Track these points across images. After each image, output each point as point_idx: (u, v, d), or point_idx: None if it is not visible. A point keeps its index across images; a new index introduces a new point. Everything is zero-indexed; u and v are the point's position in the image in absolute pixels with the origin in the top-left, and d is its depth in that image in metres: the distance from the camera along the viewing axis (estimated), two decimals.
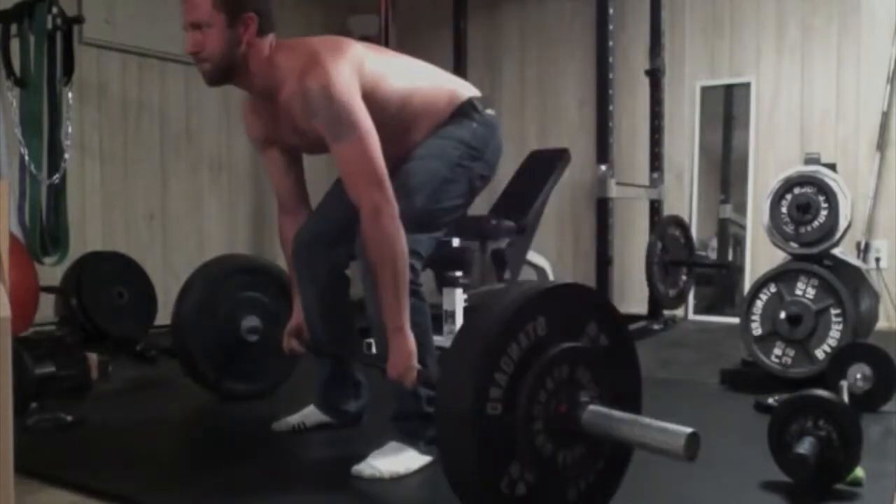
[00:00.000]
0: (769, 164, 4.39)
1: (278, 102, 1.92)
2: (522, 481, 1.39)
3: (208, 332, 2.55)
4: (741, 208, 4.54)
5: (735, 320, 3.29)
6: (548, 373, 1.39)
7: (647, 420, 1.39)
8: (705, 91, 4.65)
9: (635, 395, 1.58)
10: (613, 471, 1.54)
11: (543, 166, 4.17)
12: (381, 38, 4.40)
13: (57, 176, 3.28)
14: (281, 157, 2.13)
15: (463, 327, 1.59)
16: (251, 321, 2.58)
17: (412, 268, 1.89)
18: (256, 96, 2.03)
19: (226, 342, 2.57)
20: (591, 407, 1.41)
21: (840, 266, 2.84)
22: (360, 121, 1.81)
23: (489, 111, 2.09)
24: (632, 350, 1.57)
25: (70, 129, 3.38)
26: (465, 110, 2.03)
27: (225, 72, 1.95)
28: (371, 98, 1.86)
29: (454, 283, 3.41)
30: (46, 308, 3.53)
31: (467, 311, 3.07)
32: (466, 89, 2.09)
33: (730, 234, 4.60)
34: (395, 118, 1.94)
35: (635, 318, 4.18)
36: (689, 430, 1.31)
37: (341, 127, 1.80)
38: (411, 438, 1.95)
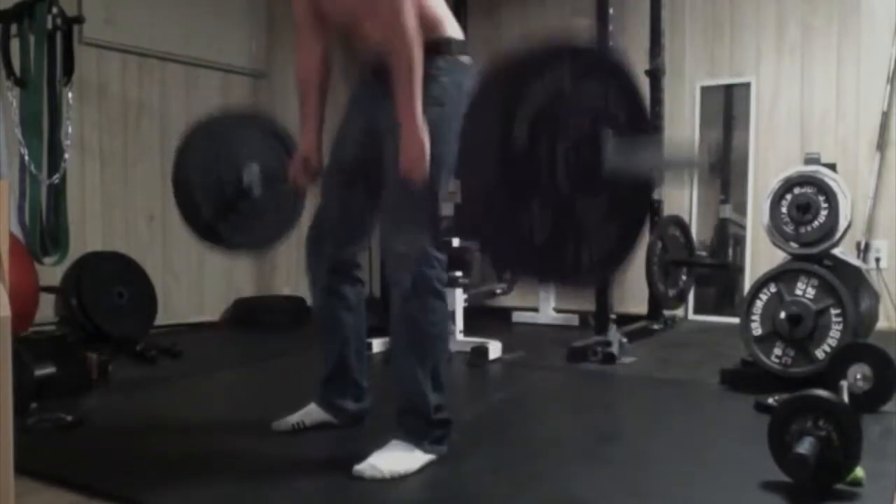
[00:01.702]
0: (769, 164, 4.39)
1: None
2: (541, 223, 1.39)
3: (210, 175, 2.44)
4: (741, 208, 4.54)
5: (735, 320, 3.29)
6: (572, 115, 1.40)
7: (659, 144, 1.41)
8: (705, 91, 4.65)
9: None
10: (625, 246, 1.53)
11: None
12: None
13: (57, 176, 3.29)
14: (312, 24, 2.17)
15: (492, 68, 1.57)
16: (253, 171, 2.45)
17: (437, 261, 1.93)
18: None
19: (226, 188, 2.45)
20: (614, 145, 1.41)
21: (840, 266, 2.84)
22: None
23: (464, 58, 2.04)
24: (647, 122, 1.56)
25: (70, 129, 3.38)
26: (438, 50, 1.98)
27: None
28: None
29: (454, 283, 3.41)
30: (46, 308, 3.53)
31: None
32: (452, 27, 2.05)
33: (730, 234, 4.60)
34: None
35: (635, 318, 4.18)
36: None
37: None
38: (416, 438, 1.95)
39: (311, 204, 2.38)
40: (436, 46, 1.98)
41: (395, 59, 1.87)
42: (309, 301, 2.55)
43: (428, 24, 1.97)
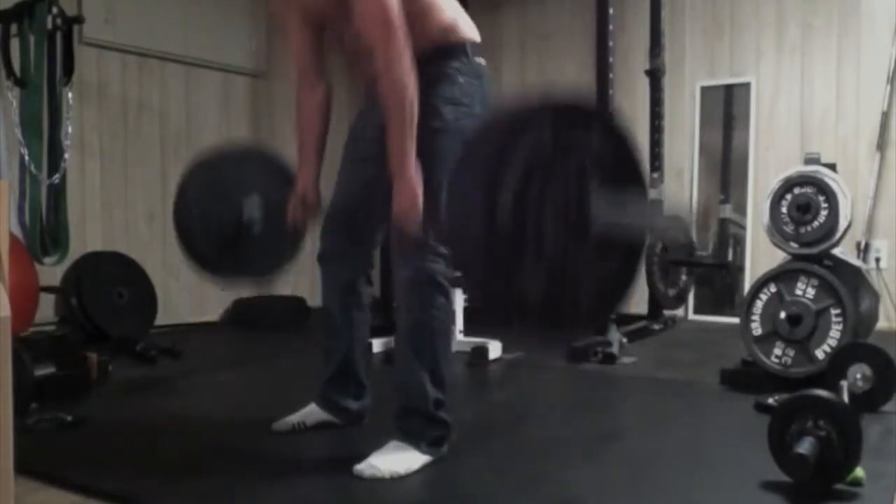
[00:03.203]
0: (769, 164, 4.40)
1: None
2: (535, 288, 1.39)
3: (209, 214, 2.44)
4: (741, 208, 4.55)
5: (735, 320, 3.29)
6: (557, 173, 1.40)
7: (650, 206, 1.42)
8: (705, 91, 4.65)
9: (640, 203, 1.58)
10: (622, 279, 1.53)
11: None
12: None
13: (57, 176, 3.29)
14: (301, 23, 2.13)
15: (474, 134, 1.58)
16: (253, 205, 2.45)
17: (441, 256, 1.92)
18: None
19: (226, 225, 2.45)
20: (599, 201, 1.42)
21: (840, 266, 2.84)
22: None
23: (479, 60, 2.05)
24: (635, 162, 1.55)
25: (70, 129, 3.38)
26: (456, 52, 1.99)
27: None
28: None
29: (454, 283, 3.40)
30: (46, 308, 3.54)
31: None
32: (469, 28, 2.05)
33: (730, 234, 4.61)
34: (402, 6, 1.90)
35: (635, 318, 4.18)
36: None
37: None
38: (414, 438, 1.95)
39: (311, 239, 2.38)
40: (452, 50, 1.99)
41: (388, 107, 1.84)
42: (310, 299, 2.57)
43: (443, 28, 1.98)
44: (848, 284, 2.71)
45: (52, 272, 3.53)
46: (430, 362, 1.96)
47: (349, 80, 2.35)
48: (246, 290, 4.22)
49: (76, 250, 3.62)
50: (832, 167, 2.86)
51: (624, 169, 1.51)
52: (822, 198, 2.76)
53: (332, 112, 2.20)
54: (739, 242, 4.54)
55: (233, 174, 2.50)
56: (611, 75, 3.97)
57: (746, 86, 4.53)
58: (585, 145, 1.47)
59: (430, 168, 1.90)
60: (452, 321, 3.33)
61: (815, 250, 2.77)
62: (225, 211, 2.44)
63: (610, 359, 3.32)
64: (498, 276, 1.36)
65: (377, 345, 3.31)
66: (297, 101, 2.21)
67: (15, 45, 3.26)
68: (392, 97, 1.83)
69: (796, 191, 2.81)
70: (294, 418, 2.28)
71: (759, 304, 2.79)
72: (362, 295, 2.25)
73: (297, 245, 2.56)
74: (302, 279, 4.84)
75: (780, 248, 2.86)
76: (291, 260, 2.58)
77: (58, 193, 3.31)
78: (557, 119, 1.44)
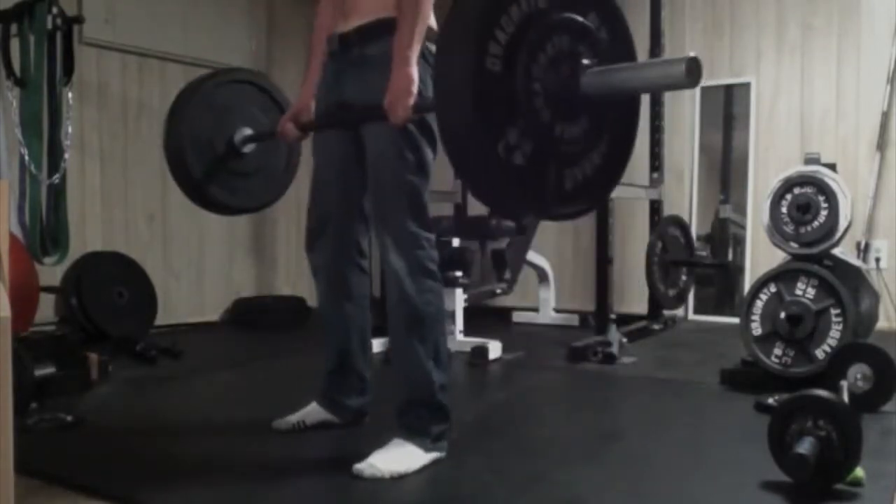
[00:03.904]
0: (769, 164, 4.39)
1: None
2: (520, 150, 1.34)
3: (201, 130, 2.41)
4: (741, 208, 4.55)
5: (735, 320, 3.29)
6: (548, 36, 1.36)
7: (646, 61, 1.37)
8: (705, 91, 4.65)
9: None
10: (611, 167, 1.50)
11: None
12: None
13: (57, 176, 3.28)
14: None
15: None
16: (245, 132, 2.44)
17: (426, 240, 1.94)
18: None
19: (217, 147, 2.43)
20: (591, 70, 1.37)
21: (840, 266, 2.84)
22: None
23: (430, 45, 2.00)
24: (631, 47, 1.53)
25: (70, 129, 3.38)
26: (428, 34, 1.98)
27: None
28: None
29: (454, 283, 3.41)
30: (46, 308, 3.53)
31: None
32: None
33: (730, 234, 4.61)
34: None
35: (635, 318, 4.18)
36: (688, 54, 1.31)
37: None
38: (417, 435, 1.95)
39: (305, 166, 2.36)
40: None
41: (405, 8, 1.85)
42: (309, 299, 2.57)
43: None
44: (848, 284, 2.72)
45: (52, 272, 3.53)
46: (433, 347, 1.97)
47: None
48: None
49: (76, 250, 3.62)
50: (832, 167, 2.86)
51: (615, 43, 1.49)
52: (822, 198, 2.77)
53: None
54: (739, 242, 4.54)
55: (223, 97, 2.47)
56: None
57: (746, 86, 4.53)
58: (572, 10, 1.43)
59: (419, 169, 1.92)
60: (452, 321, 3.34)
61: (815, 250, 2.77)
62: (216, 135, 2.42)
63: (610, 359, 3.32)
64: (483, 135, 1.30)
65: (377, 345, 3.31)
66: (317, 21, 2.23)
67: (15, 45, 3.26)
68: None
69: (796, 191, 2.81)
70: (294, 418, 2.28)
71: (759, 304, 2.79)
72: (352, 286, 2.23)
73: (289, 171, 2.54)
74: (302, 279, 4.85)
75: (780, 248, 2.86)
76: (284, 188, 2.57)
77: (58, 193, 3.31)
78: None
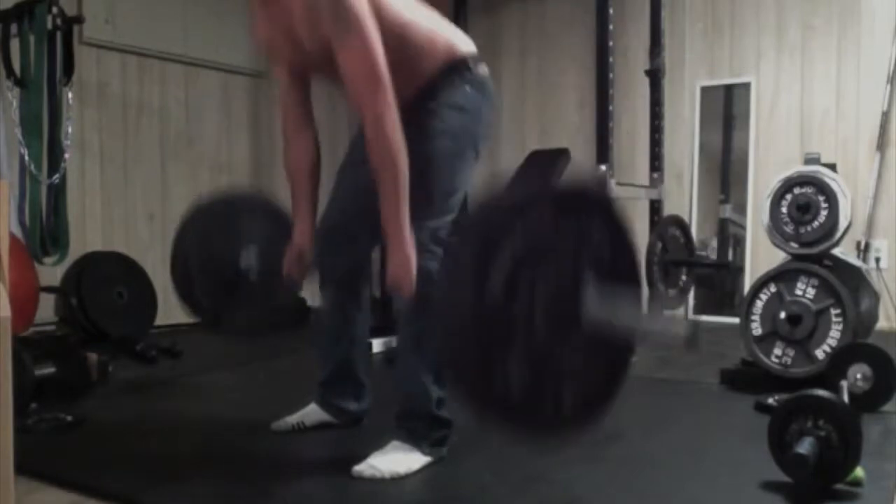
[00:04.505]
0: (769, 164, 4.39)
1: (281, 5, 1.90)
2: (520, 376, 1.36)
3: (207, 266, 2.42)
4: (741, 208, 4.55)
5: (735, 320, 3.29)
6: (551, 265, 1.37)
7: (649, 313, 1.38)
8: (705, 91, 4.65)
9: (636, 299, 1.54)
10: (611, 381, 1.51)
11: (543, 166, 4.17)
12: None
13: (57, 176, 3.29)
14: (287, 77, 2.12)
15: (469, 217, 1.56)
16: (250, 256, 2.43)
17: (434, 254, 1.90)
18: (262, 6, 2.00)
19: (225, 277, 2.42)
20: (593, 301, 1.39)
21: (840, 266, 2.84)
22: (364, 22, 1.78)
23: (482, 69, 2.05)
24: (634, 256, 1.54)
25: (70, 129, 3.38)
26: (458, 67, 1.99)
27: None
28: (377, 16, 1.83)
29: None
30: (46, 308, 3.53)
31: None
32: (463, 44, 2.05)
33: (730, 234, 4.60)
34: (394, 46, 1.88)
35: None
36: (688, 319, 1.31)
37: (345, 26, 1.77)
38: (415, 439, 1.95)
39: (307, 292, 2.39)
40: (455, 66, 2.00)
41: (377, 170, 1.79)
42: (310, 299, 2.56)
43: (443, 50, 1.99)
44: (848, 284, 2.71)
45: (52, 272, 3.53)
46: (433, 361, 1.96)
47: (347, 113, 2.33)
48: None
49: (76, 250, 3.62)
50: (832, 167, 2.86)
51: (621, 264, 1.50)
52: (822, 198, 2.76)
53: (321, 164, 2.16)
54: (739, 242, 4.54)
55: (231, 222, 2.49)
56: (611, 75, 3.97)
57: (746, 86, 4.53)
58: (584, 234, 1.45)
59: (427, 168, 1.90)
60: None
61: (815, 250, 2.77)
62: (223, 260, 2.43)
63: None
64: (482, 360, 1.33)
65: (377, 345, 3.31)
66: (286, 154, 2.18)
67: (15, 45, 3.26)
68: (381, 158, 1.78)
69: (796, 191, 2.81)
70: (294, 418, 2.28)
71: (759, 304, 2.79)
72: (361, 295, 2.25)
73: (293, 301, 2.55)
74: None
75: (780, 248, 2.86)
76: (290, 320, 2.59)
77: (58, 193, 3.31)
78: (558, 205, 1.42)
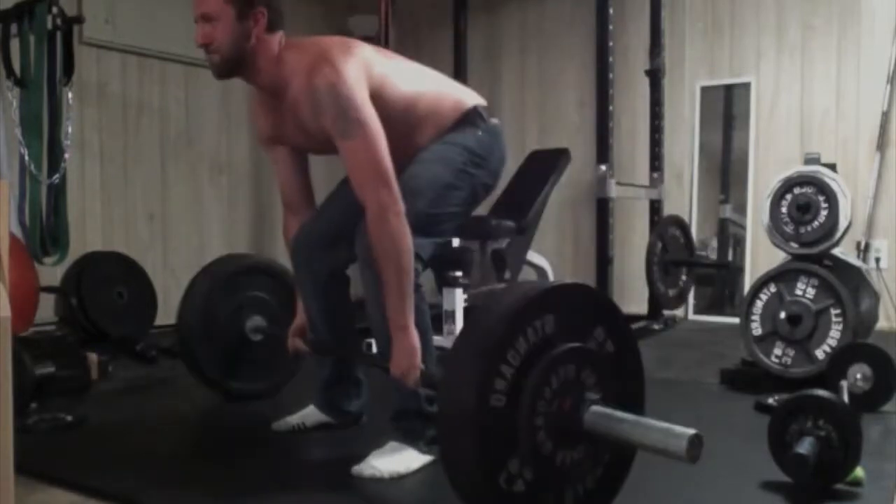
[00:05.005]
0: (769, 164, 4.39)
1: (286, 100, 1.94)
2: (521, 478, 1.38)
3: (212, 331, 2.53)
4: (741, 208, 4.55)
5: (735, 320, 3.29)
6: (553, 370, 1.39)
7: (650, 421, 1.39)
8: (705, 91, 4.65)
9: (639, 402, 1.58)
10: (613, 478, 1.54)
11: (543, 166, 4.17)
12: (380, 39, 4.40)
13: (57, 176, 3.28)
14: (288, 157, 2.14)
15: (471, 320, 1.58)
16: (255, 321, 2.55)
17: (418, 257, 1.89)
18: (264, 93, 2.04)
19: (230, 342, 2.54)
20: (595, 407, 1.41)
21: (840, 266, 2.84)
22: (367, 119, 1.82)
23: (494, 120, 2.09)
24: (637, 357, 1.57)
25: (70, 129, 3.38)
26: (470, 118, 2.03)
27: (233, 65, 1.96)
28: (377, 99, 1.87)
29: (454, 283, 3.41)
30: (46, 308, 3.53)
31: (470, 310, 3.06)
32: (472, 98, 2.09)
33: (730, 234, 4.60)
34: (399, 121, 1.93)
35: (635, 318, 4.18)
36: (691, 431, 1.31)
37: (348, 124, 1.81)
38: (411, 438, 1.95)
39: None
40: (467, 117, 2.02)
41: (383, 267, 1.81)
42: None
43: (453, 108, 2.02)
44: (848, 284, 2.71)
45: (52, 272, 3.53)
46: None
47: None
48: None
49: (76, 250, 3.62)
50: (832, 167, 2.86)
51: (625, 370, 1.52)
52: (822, 198, 2.76)
53: None
54: (739, 242, 4.54)
55: (236, 290, 2.58)
56: (611, 75, 3.98)
57: (746, 86, 4.53)
58: (588, 340, 1.47)
59: (410, 183, 1.90)
60: (453, 321, 3.33)
61: (815, 250, 2.77)
62: (227, 328, 2.53)
63: None
64: (485, 469, 1.35)
65: (374, 345, 3.31)
66: (286, 230, 2.22)
67: (15, 45, 3.26)
68: (386, 254, 1.79)
69: (796, 191, 2.81)
70: (294, 419, 2.28)
71: (759, 304, 2.79)
72: (344, 288, 2.23)
73: (296, 364, 2.62)
74: None
75: (780, 248, 2.86)
76: (292, 375, 2.68)
77: (58, 193, 3.31)
78: (563, 308, 1.43)
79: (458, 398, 1.36)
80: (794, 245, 2.81)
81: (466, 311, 3.62)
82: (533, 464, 1.38)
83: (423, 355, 1.88)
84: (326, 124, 1.84)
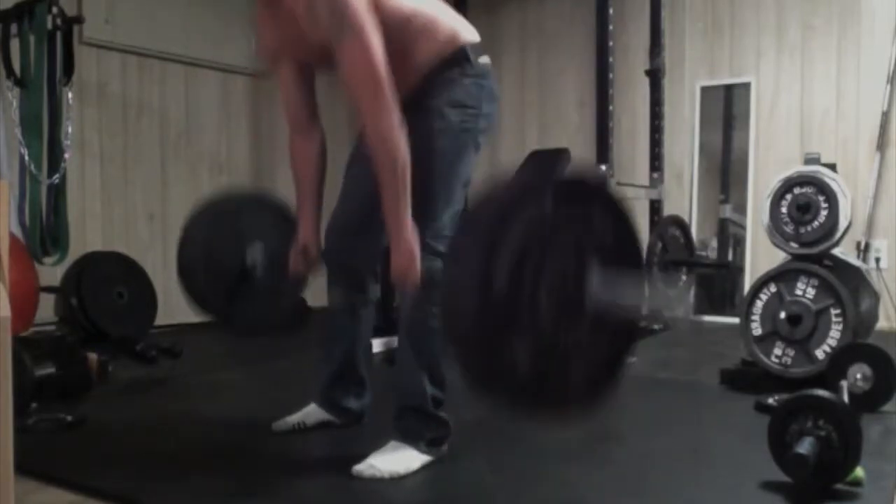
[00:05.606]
0: (769, 164, 4.39)
1: (284, 6, 1.90)
2: (524, 356, 1.38)
3: (212, 263, 2.41)
4: (741, 208, 4.55)
5: (735, 320, 3.29)
6: (552, 245, 1.39)
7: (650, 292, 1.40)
8: (705, 91, 4.65)
9: (638, 263, 1.57)
10: (615, 361, 1.53)
11: (543, 166, 4.17)
12: None
13: (57, 176, 3.29)
14: (292, 73, 2.12)
15: (468, 214, 1.57)
16: (255, 253, 2.43)
17: (439, 254, 1.89)
18: (263, 3, 2.01)
19: (230, 274, 2.42)
20: (597, 278, 1.41)
21: (840, 266, 2.84)
22: (363, 22, 1.78)
23: (483, 59, 2.04)
24: (637, 249, 1.56)
25: (70, 129, 3.38)
26: (458, 60, 1.98)
27: None
28: (376, 9, 1.84)
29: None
30: (46, 308, 3.53)
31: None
32: (467, 32, 2.04)
33: (730, 234, 4.61)
34: (395, 37, 1.88)
35: None
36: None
37: (343, 27, 1.78)
38: (412, 438, 1.95)
39: (307, 293, 2.40)
40: (454, 57, 1.99)
41: (378, 168, 1.80)
42: (310, 299, 2.57)
43: (443, 39, 1.98)
44: (848, 284, 2.71)
45: (52, 272, 3.53)
46: (428, 360, 1.96)
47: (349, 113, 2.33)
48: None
49: (76, 250, 3.62)
50: (832, 167, 2.86)
51: (623, 248, 1.51)
52: (822, 198, 2.76)
53: (327, 160, 2.17)
54: (739, 242, 4.54)
55: (235, 221, 2.48)
56: (611, 75, 3.98)
57: (746, 86, 4.53)
58: (585, 222, 1.46)
59: (429, 168, 1.89)
60: None
61: (815, 250, 2.77)
62: (228, 257, 2.43)
63: None
64: (489, 347, 1.36)
65: (377, 345, 3.31)
66: (291, 151, 2.19)
67: (15, 45, 3.26)
68: (381, 156, 1.79)
69: (796, 191, 2.81)
70: (294, 418, 2.28)
71: (759, 304, 2.79)
72: (368, 292, 2.25)
73: (299, 296, 2.55)
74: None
75: (780, 248, 2.86)
76: (291, 321, 2.59)
77: (58, 193, 3.31)
78: (558, 193, 1.43)
79: (461, 278, 1.36)
80: (794, 245, 2.81)
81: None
82: (537, 341, 1.38)
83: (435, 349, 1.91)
84: (323, 28, 1.81)
